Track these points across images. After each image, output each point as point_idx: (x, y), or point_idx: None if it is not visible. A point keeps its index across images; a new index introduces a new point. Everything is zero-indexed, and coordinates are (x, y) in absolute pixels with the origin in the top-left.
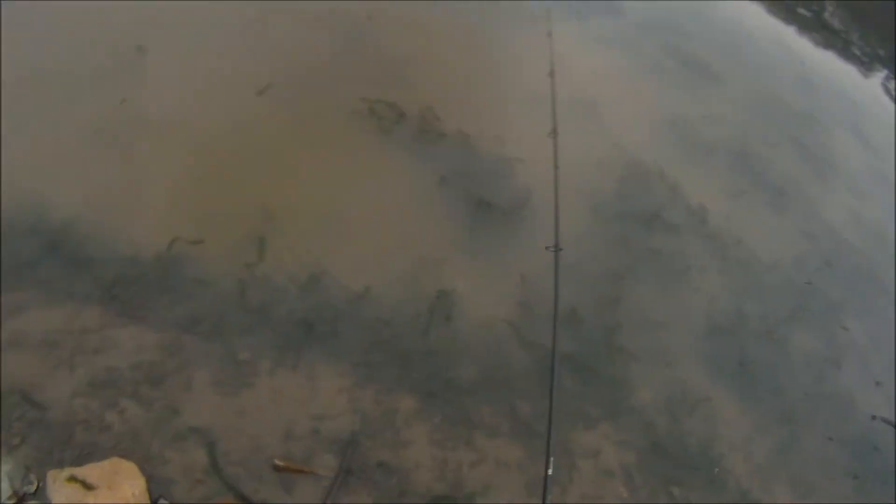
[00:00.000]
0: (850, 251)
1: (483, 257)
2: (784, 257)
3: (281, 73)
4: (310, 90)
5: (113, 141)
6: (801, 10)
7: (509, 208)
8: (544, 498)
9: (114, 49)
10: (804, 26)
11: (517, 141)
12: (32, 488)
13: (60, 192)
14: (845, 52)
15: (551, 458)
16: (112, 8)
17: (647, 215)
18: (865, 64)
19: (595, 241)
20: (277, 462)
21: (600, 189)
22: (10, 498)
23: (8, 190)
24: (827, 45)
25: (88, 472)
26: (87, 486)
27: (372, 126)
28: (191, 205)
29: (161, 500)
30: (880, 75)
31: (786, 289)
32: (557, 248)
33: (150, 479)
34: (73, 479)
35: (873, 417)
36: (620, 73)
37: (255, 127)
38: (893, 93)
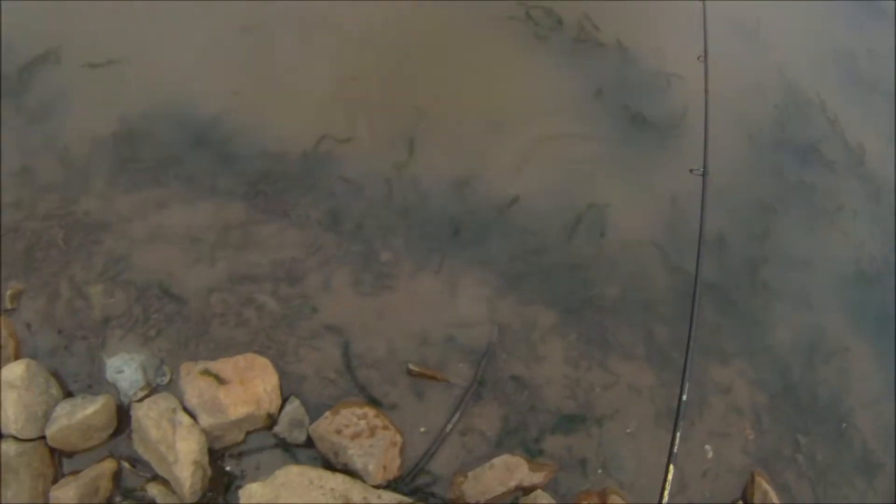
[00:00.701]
0: None
1: (634, 174)
2: None
3: None
4: None
5: (262, 37)
6: None
7: (664, 126)
8: (675, 427)
9: None
10: None
11: (675, 57)
12: (165, 380)
13: (208, 88)
14: None
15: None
16: None
17: (803, 147)
18: None
19: (748, 169)
20: (411, 367)
21: (758, 115)
22: (143, 389)
23: (155, 85)
24: None
25: (222, 366)
26: (220, 381)
27: (528, 31)
28: (341, 103)
29: (292, 398)
30: None
31: None
32: (705, 173)
33: (283, 377)
34: (206, 372)
35: None
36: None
37: (409, 26)
38: None
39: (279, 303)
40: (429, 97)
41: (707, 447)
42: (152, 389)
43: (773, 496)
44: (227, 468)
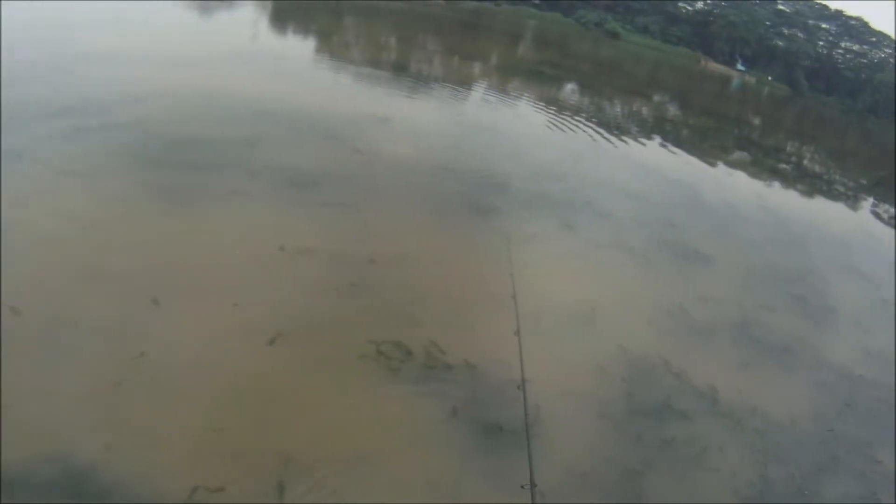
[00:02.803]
0: (866, 386)
1: (500, 483)
2: (802, 412)
3: (290, 321)
4: (318, 337)
5: (132, 392)
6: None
7: (520, 429)
8: None
9: (130, 302)
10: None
11: (521, 361)
12: None
13: (80, 441)
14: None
15: None
16: (127, 262)
17: (657, 408)
18: (850, 198)
19: (607, 445)
20: None
21: (607, 393)
22: None
23: (25, 440)
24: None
25: None
26: None
27: (381, 367)
28: (210, 453)
29: None
30: (867, 204)
31: (809, 442)
32: (532, 486)
33: None
34: None
35: None
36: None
37: (268, 376)
38: (883, 216)
39: None
40: (293, 441)
41: None
42: None
43: None
44: None
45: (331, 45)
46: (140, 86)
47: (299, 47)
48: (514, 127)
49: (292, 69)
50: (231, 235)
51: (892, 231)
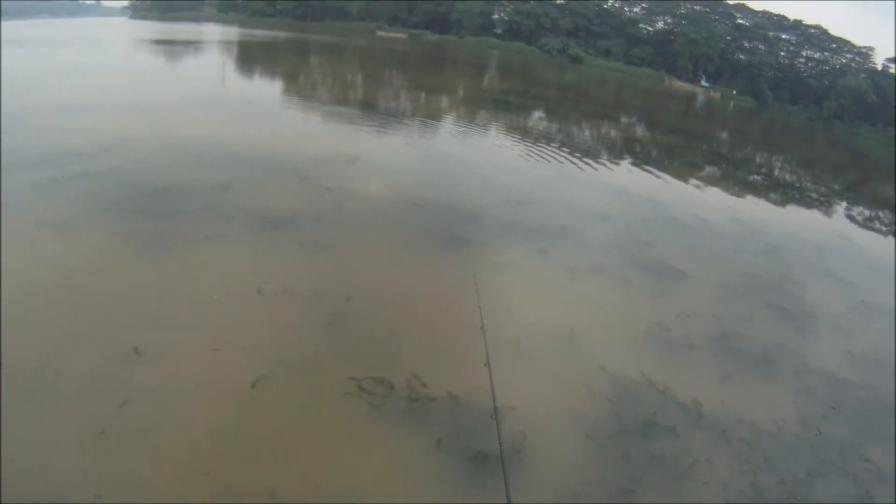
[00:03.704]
0: (851, 387)
1: None
2: (788, 418)
3: (271, 363)
4: (300, 377)
5: (117, 440)
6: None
7: (508, 455)
8: None
9: (111, 351)
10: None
11: (504, 390)
12: None
13: (69, 491)
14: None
15: None
16: (107, 311)
17: (642, 426)
18: (823, 203)
19: (596, 466)
20: None
21: (593, 414)
22: None
23: (12, 492)
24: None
25: None
26: None
27: (363, 402)
28: (198, 497)
29: None
30: (840, 208)
31: (797, 447)
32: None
33: None
34: None
35: None
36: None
37: (252, 418)
38: (858, 219)
39: None
40: (280, 483)
41: None
42: None
43: None
44: None
45: (297, 86)
46: (111, 134)
47: (266, 89)
48: (484, 158)
49: (260, 112)
50: (209, 280)
51: (867, 233)
